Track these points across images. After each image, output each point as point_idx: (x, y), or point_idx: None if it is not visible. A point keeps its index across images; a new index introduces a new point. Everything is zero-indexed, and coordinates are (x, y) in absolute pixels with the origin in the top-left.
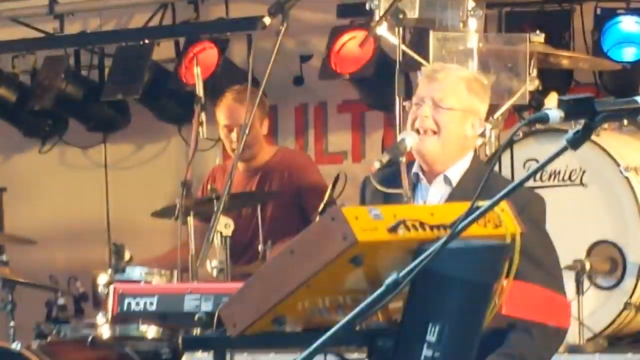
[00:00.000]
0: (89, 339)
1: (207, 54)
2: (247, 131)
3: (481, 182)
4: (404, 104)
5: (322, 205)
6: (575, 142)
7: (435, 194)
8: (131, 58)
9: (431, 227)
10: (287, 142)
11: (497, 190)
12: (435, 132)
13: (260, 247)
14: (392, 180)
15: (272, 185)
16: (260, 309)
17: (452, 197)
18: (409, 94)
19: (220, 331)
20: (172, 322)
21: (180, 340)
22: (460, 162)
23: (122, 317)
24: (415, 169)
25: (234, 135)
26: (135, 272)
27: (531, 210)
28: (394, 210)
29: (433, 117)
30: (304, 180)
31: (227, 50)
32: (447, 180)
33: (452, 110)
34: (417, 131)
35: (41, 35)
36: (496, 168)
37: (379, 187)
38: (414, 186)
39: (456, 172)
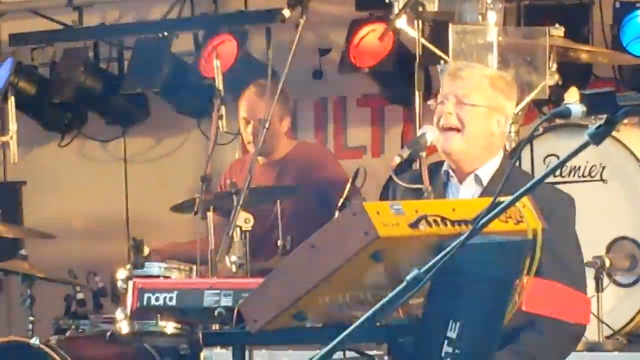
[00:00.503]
0: (108, 334)
1: (226, 47)
2: (266, 125)
3: (505, 178)
4: (429, 102)
5: (341, 201)
6: (597, 137)
7: (466, 193)
8: (150, 51)
9: (452, 223)
10: (306, 137)
11: (521, 186)
12: (459, 130)
13: (279, 242)
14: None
15: (291, 178)
16: (281, 304)
17: (483, 196)
18: (428, 87)
19: (240, 327)
20: (191, 318)
21: (199, 336)
22: (491, 162)
23: (141, 312)
24: (445, 167)
25: (249, 128)
26: (155, 267)
27: (561, 210)
28: (415, 206)
29: (457, 114)
30: (324, 174)
31: (246, 43)
32: (477, 180)
33: (476, 106)
34: (442, 129)
35: (60, 27)
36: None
37: (399, 182)
38: (445, 185)
39: (487, 171)
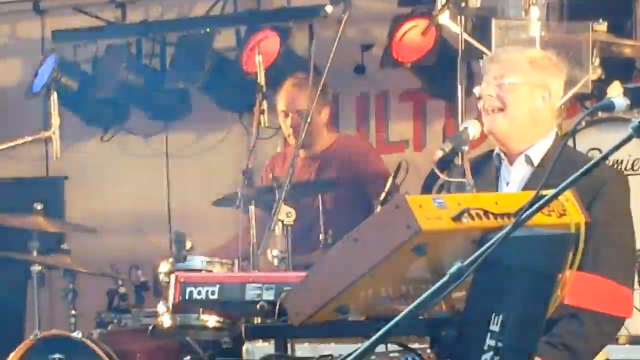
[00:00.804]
0: (150, 328)
1: (268, 43)
2: (309, 119)
3: (562, 162)
4: (474, 90)
5: (383, 195)
6: None
7: (517, 174)
8: (193, 46)
9: (495, 216)
10: (348, 131)
11: (576, 168)
12: (501, 110)
13: (321, 236)
14: (478, 169)
15: (332, 172)
16: (323, 297)
17: (534, 176)
18: (471, 83)
19: (282, 320)
20: (233, 311)
21: (242, 329)
22: (543, 141)
23: (183, 306)
24: (496, 150)
25: (288, 121)
26: (197, 261)
27: (609, 190)
28: (458, 199)
29: (497, 95)
30: (365, 167)
31: (289, 38)
32: (528, 160)
33: (516, 84)
34: (486, 112)
35: (103, 23)
36: None
37: (440, 175)
38: (497, 169)
39: (538, 151)
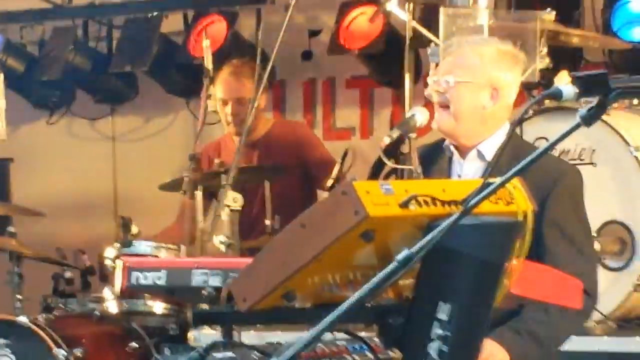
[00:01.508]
0: (96, 314)
1: (216, 27)
2: (255, 105)
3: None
4: (428, 79)
5: (330, 181)
6: (589, 119)
7: (469, 169)
8: (140, 30)
9: (443, 203)
10: (295, 117)
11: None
12: (448, 106)
13: (267, 222)
14: (430, 159)
15: (275, 158)
16: (270, 283)
17: (486, 171)
18: (418, 70)
19: (228, 306)
20: (180, 297)
21: (188, 315)
22: (494, 136)
23: (130, 292)
24: (447, 142)
25: (228, 108)
26: (143, 246)
27: (565, 182)
28: (406, 185)
29: (445, 91)
30: (309, 154)
31: (236, 23)
32: (480, 155)
33: (461, 83)
34: (435, 106)
35: (50, 6)
36: None
37: (388, 163)
38: (449, 160)
39: (490, 146)
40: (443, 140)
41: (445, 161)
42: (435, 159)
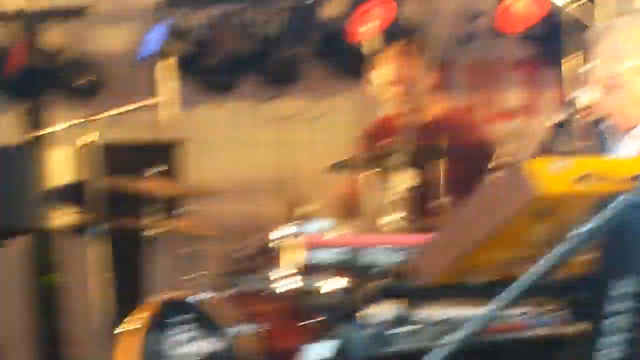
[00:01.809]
0: (272, 292)
1: (379, 10)
2: (416, 86)
3: None
4: (591, 61)
5: (497, 162)
6: None
7: (625, 150)
8: (304, 13)
9: (617, 180)
10: (460, 99)
11: None
12: (613, 88)
13: (440, 201)
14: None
15: (442, 140)
16: (447, 261)
17: None
18: (582, 51)
19: (406, 283)
20: (357, 274)
21: (365, 292)
22: None
23: (306, 270)
24: (604, 124)
25: (396, 89)
26: (318, 224)
27: None
28: (579, 163)
29: (609, 74)
30: (475, 136)
31: (399, 6)
32: (636, 137)
33: (632, 67)
34: (601, 88)
35: None
36: None
37: (556, 142)
38: (603, 143)
39: None
40: (598, 121)
41: (602, 141)
42: (592, 138)
